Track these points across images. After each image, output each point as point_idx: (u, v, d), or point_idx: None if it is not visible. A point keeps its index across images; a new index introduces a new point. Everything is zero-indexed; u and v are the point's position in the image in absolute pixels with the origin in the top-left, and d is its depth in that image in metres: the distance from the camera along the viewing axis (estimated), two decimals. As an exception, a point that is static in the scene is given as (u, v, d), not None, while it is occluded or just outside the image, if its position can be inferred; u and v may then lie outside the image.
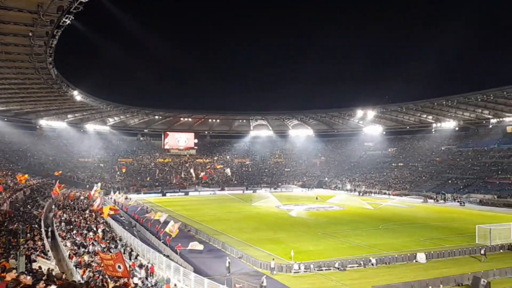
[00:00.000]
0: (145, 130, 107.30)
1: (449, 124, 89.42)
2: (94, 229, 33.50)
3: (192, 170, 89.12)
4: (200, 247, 30.14)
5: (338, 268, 26.16)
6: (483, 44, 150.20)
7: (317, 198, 68.95)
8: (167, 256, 28.19)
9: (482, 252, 29.00)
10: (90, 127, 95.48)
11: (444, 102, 77.66)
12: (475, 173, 74.29)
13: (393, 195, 74.71)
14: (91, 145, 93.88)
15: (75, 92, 62.69)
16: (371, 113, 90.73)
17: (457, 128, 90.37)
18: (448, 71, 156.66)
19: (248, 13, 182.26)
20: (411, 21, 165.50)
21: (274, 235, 37.97)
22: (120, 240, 32.43)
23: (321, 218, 49.34)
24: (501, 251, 30.81)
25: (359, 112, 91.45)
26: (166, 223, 35.01)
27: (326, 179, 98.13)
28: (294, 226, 43.18)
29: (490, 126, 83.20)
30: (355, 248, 32.29)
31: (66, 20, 31.61)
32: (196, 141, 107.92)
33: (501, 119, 79.27)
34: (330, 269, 26.22)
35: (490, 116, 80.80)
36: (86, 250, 26.13)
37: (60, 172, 67.31)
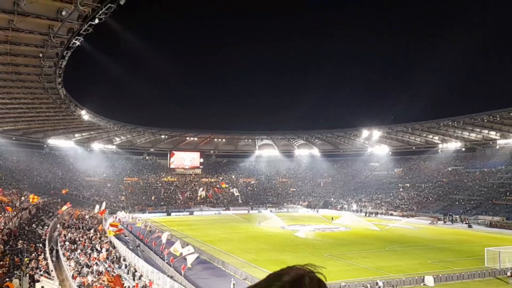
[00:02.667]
0: (151, 149, 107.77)
1: (455, 145, 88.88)
2: (99, 248, 33.38)
3: (200, 190, 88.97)
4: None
5: (344, 291, 25.73)
6: (489, 63, 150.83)
7: (332, 219, 67.90)
8: (171, 277, 27.92)
9: (509, 274, 28.59)
10: (97, 146, 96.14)
11: (450, 123, 77.43)
12: (482, 195, 73.41)
13: (400, 216, 73.85)
14: (97, 164, 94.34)
15: (83, 112, 63.39)
16: (376, 133, 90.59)
17: (463, 149, 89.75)
18: (454, 91, 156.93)
19: (254, 35, 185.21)
20: (415, 40, 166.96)
21: (279, 256, 37.52)
22: (124, 260, 32.23)
23: (327, 239, 48.78)
24: (509, 274, 30.14)
25: (365, 132, 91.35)
26: (170, 243, 34.81)
27: (332, 199, 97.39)
28: (300, 247, 42.70)
29: (497, 147, 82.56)
30: (362, 270, 31.78)
31: (76, 41, 32.27)
32: (201, 160, 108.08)
33: (508, 140, 78.75)
34: (336, 292, 25.79)
35: (497, 137, 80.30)
36: (90, 270, 25.99)
37: (67, 190, 67.54)
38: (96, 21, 29.36)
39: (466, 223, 62.17)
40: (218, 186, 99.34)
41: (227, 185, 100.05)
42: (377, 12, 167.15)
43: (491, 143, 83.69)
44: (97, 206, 54.73)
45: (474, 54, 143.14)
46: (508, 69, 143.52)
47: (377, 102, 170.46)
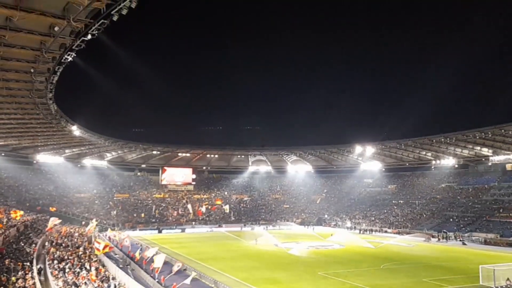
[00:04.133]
0: (142, 165, 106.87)
1: (448, 161, 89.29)
2: (88, 267, 32.51)
3: (189, 206, 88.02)
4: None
5: (339, 311, 25.13)
6: (480, 82, 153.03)
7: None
8: (161, 297, 27.16)
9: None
10: (88, 162, 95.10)
11: (442, 139, 77.83)
12: (476, 212, 73.39)
13: (394, 233, 73.42)
14: (87, 180, 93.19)
15: (74, 127, 62.81)
16: (370, 150, 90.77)
17: (456, 165, 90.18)
18: (447, 108, 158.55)
19: (249, 52, 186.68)
20: (409, 59, 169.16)
21: (272, 275, 36.84)
22: (114, 279, 31.37)
23: (321, 257, 48.13)
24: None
25: (358, 148, 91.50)
26: (168, 265, 34.05)
27: (326, 216, 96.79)
28: (293, 265, 42.03)
29: (490, 164, 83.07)
30: (356, 289, 31.23)
31: (68, 57, 32.06)
32: (194, 176, 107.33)
33: (500, 156, 79.29)
34: (330, 312, 25.17)
35: (489, 154, 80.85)
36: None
37: (55, 208, 66.34)
38: (89, 36, 29.21)
39: (460, 240, 61.89)
40: (210, 203, 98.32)
41: (220, 203, 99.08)
42: (371, 32, 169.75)
43: (483, 159, 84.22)
44: (89, 224, 53.67)
45: (466, 72, 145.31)
46: (499, 87, 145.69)
47: (371, 118, 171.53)
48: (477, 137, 72.93)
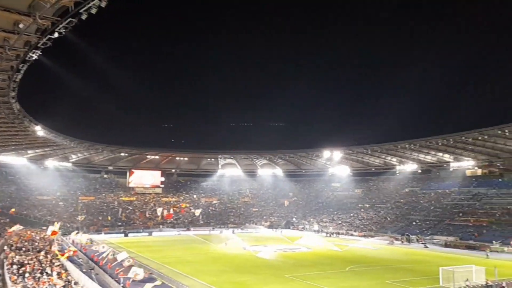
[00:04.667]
0: (109, 168, 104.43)
1: (412, 167, 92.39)
2: (49, 272, 31.52)
3: (159, 209, 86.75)
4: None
5: (305, 313, 25.50)
6: (445, 91, 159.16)
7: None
8: (127, 302, 26.69)
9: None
10: (51, 163, 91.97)
11: (407, 145, 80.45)
12: (437, 215, 76.14)
13: (359, 236, 75.07)
14: (51, 182, 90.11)
15: (38, 127, 60.75)
16: (338, 154, 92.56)
17: (419, 171, 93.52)
18: (412, 116, 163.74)
19: (219, 54, 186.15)
20: (377, 67, 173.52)
21: (240, 278, 36.92)
22: (76, 284, 30.56)
23: (289, 260, 48.62)
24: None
25: (326, 153, 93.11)
26: (128, 266, 33.50)
27: (294, 219, 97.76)
28: (261, 268, 42.27)
29: (451, 169, 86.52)
30: (322, 291, 31.77)
31: (33, 55, 31.12)
32: (162, 179, 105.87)
33: (460, 162, 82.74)
34: (297, 314, 25.51)
35: (451, 160, 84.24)
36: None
37: (14, 210, 63.86)
38: (56, 35, 28.50)
39: (422, 243, 63.98)
40: (178, 205, 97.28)
41: (187, 205, 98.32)
42: (344, 39, 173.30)
43: (445, 165, 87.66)
44: (50, 227, 51.91)
45: (431, 83, 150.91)
46: (460, 96, 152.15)
47: (339, 124, 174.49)
48: (440, 144, 75.87)
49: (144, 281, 31.68)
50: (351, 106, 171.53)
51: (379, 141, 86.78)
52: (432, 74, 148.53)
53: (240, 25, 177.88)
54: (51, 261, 35.85)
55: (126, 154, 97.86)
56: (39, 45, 29.64)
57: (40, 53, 31.20)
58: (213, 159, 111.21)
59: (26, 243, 44.92)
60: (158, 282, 30.91)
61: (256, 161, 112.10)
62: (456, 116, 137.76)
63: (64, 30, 27.90)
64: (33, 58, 31.78)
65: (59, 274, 31.28)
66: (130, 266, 33.77)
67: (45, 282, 28.13)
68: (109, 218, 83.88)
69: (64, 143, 78.26)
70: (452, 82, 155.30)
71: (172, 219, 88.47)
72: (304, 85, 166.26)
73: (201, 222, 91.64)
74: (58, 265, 34.74)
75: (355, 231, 80.00)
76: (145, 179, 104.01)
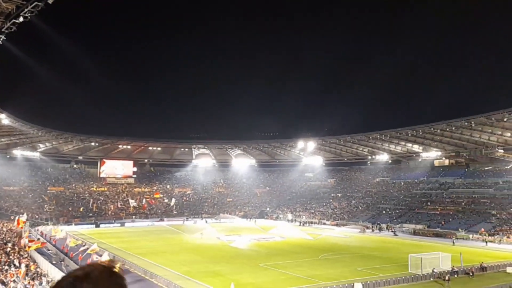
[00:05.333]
0: (79, 157, 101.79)
1: (383, 157, 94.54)
2: (17, 264, 30.60)
3: (131, 201, 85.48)
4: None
5: (278, 301, 25.82)
6: (414, 83, 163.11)
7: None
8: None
9: (447, 278, 30.88)
10: (18, 153, 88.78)
11: (378, 136, 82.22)
12: (406, 204, 78.37)
13: (332, 225, 76.43)
14: (18, 173, 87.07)
15: (2, 116, 58.56)
16: (311, 145, 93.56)
17: (390, 161, 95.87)
18: (383, 107, 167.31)
19: (190, 41, 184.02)
20: (349, 57, 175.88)
21: (214, 268, 36.94)
22: (46, 275, 29.82)
23: (262, 249, 48.99)
24: (431, 279, 32.22)
25: (300, 143, 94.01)
26: (99, 255, 32.93)
27: (268, 209, 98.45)
28: (235, 258, 42.43)
29: (420, 160, 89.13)
30: (295, 279, 32.19)
31: (-3, 39, 29.77)
32: (135, 169, 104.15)
33: (429, 153, 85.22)
34: (270, 302, 25.79)
35: (420, 150, 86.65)
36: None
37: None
38: (21, 19, 27.34)
39: (392, 231, 65.81)
40: (151, 196, 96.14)
41: (161, 195, 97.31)
42: (314, 29, 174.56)
43: (414, 156, 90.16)
44: (17, 218, 50.33)
45: (400, 75, 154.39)
46: (430, 89, 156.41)
47: (313, 114, 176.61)
48: (409, 135, 77.93)
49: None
50: (322, 96, 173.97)
51: (350, 131, 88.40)
52: (397, 67, 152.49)
53: (212, 24, 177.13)
54: (18, 252, 34.82)
55: (97, 144, 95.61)
56: (3, 29, 28.36)
57: (4, 38, 29.87)
58: (186, 149, 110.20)
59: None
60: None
61: (230, 151, 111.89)
62: (424, 108, 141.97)
63: (30, 14, 26.76)
64: (-3, 43, 30.42)
65: (27, 266, 30.43)
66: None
67: (13, 274, 27.32)
68: (81, 209, 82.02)
69: (31, 132, 75.78)
70: (419, 76, 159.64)
71: (146, 210, 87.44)
72: (267, 79, 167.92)
73: (175, 212, 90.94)
74: (26, 257, 33.80)
75: (327, 220, 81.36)
76: (117, 169, 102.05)
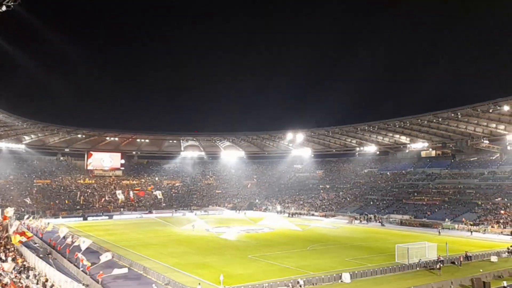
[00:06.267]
0: (66, 150, 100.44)
1: (371, 148, 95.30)
2: (3, 257, 30.23)
3: (118, 192, 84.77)
4: (124, 270, 29.10)
5: (267, 292, 25.96)
6: (397, 75, 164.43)
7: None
8: (87, 286, 26.14)
9: (438, 266, 31.53)
10: (3, 145, 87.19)
11: (366, 128, 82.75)
12: (394, 195, 79.28)
13: (320, 216, 77.01)
14: (2, 165, 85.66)
15: (-14, 107, 57.31)
16: (300, 136, 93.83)
17: (377, 152, 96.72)
18: (370, 99, 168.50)
19: (179, 32, 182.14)
20: (337, 50, 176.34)
21: (203, 259, 37.01)
22: (33, 269, 29.53)
23: (251, 241, 49.21)
24: (418, 269, 32.73)
25: (289, 135, 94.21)
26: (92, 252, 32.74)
27: (257, 200, 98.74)
28: (224, 250, 42.55)
29: (407, 151, 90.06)
30: (284, 270, 32.43)
31: (-21, 28, 29.00)
32: (123, 161, 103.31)
33: (416, 144, 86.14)
34: (259, 293, 25.94)
35: (407, 141, 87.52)
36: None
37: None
38: (4, 8, 26.71)
39: (379, 222, 66.60)
40: (141, 188, 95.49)
41: (151, 188, 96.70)
42: (298, 26, 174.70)
43: (401, 147, 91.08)
44: (0, 211, 49.68)
45: (386, 67, 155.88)
46: (416, 81, 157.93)
47: (301, 106, 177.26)
48: (397, 126, 78.62)
49: (111, 266, 31.19)
50: (310, 88, 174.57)
51: (339, 123, 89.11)
52: (385, 60, 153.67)
53: (200, 23, 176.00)
54: (4, 246, 34.39)
55: (84, 136, 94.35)
56: (-15, 18, 27.64)
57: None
58: (175, 141, 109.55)
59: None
60: (125, 270, 30.52)
61: (219, 143, 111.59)
62: (412, 100, 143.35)
63: (13, 3, 26.13)
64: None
65: (14, 259, 30.10)
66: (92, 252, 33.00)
67: (-2, 268, 26.96)
68: (67, 201, 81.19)
69: (16, 124, 74.44)
70: (406, 68, 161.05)
71: (134, 202, 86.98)
72: (253, 74, 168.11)
73: (164, 204, 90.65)
74: (12, 251, 33.41)
75: (316, 211, 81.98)
76: (104, 161, 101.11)
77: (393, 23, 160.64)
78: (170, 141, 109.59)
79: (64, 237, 40.71)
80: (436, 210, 66.80)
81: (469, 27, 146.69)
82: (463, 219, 58.74)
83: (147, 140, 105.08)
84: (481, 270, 30.65)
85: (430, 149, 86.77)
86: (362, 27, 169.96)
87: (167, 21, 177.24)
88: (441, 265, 31.98)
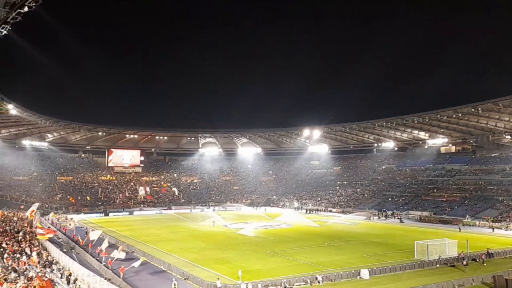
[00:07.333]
0: (87, 147, 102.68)
1: (389, 144, 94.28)
2: (28, 252, 31.22)
3: (140, 189, 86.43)
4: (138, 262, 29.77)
5: (285, 287, 26.18)
6: (413, 70, 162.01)
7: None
8: (109, 280, 26.82)
9: (464, 263, 31.16)
10: (27, 143, 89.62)
11: (384, 123, 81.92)
12: (412, 191, 78.36)
13: (338, 212, 76.76)
14: (27, 162, 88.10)
15: (10, 106, 59.01)
16: (317, 133, 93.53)
17: (396, 148, 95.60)
18: (388, 94, 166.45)
19: (196, 33, 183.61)
20: (351, 45, 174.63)
21: (221, 255, 37.44)
22: (57, 263, 30.43)
23: (269, 237, 49.46)
24: (438, 266, 32.43)
25: (306, 132, 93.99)
26: (111, 246, 33.54)
27: (274, 197, 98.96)
28: (242, 245, 42.91)
29: (426, 147, 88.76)
30: (302, 266, 32.58)
31: (3, 30, 29.92)
32: (142, 158, 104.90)
33: (435, 140, 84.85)
34: (277, 288, 26.18)
35: (426, 137, 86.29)
36: (17, 275, 24.22)
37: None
38: (26, 9, 27.44)
39: (398, 218, 65.99)
40: (159, 185, 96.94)
41: (168, 184, 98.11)
42: (315, 17, 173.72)
43: (420, 142, 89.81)
44: (29, 207, 51.13)
45: (402, 63, 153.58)
46: (433, 76, 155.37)
47: (317, 101, 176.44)
48: (416, 122, 77.56)
49: (128, 259, 31.90)
50: (326, 83, 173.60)
51: (356, 119, 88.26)
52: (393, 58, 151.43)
53: (215, 26, 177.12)
54: (30, 241, 35.47)
55: (104, 133, 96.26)
56: (8, 19, 28.49)
57: (10, 28, 30.01)
58: (193, 138, 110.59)
59: (3, 223, 44.14)
60: (140, 260, 31.15)
61: (236, 140, 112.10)
62: (431, 95, 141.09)
63: (34, 4, 26.85)
64: (3, 34, 30.57)
65: (39, 254, 31.05)
66: (111, 246, 33.79)
67: (24, 262, 27.91)
68: (89, 198, 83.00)
69: (39, 122, 76.42)
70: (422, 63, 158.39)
71: (152, 199, 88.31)
72: (266, 72, 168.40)
73: (182, 201, 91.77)
74: (37, 246, 34.44)
75: (333, 207, 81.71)
76: (124, 158, 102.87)
77: (410, 15, 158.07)
78: (188, 138, 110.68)
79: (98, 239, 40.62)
80: (456, 206, 65.78)
81: (489, 17, 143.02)
82: (484, 215, 57.76)
83: (165, 137, 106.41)
84: None
85: (450, 145, 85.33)
86: (379, 20, 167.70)
87: (188, 24, 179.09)
88: (457, 263, 31.61)
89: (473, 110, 66.78)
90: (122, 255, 32.26)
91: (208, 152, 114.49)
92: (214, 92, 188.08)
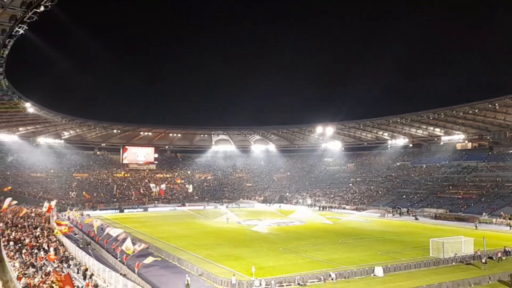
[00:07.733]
0: (102, 144, 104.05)
1: (403, 141, 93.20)
2: (46, 248, 31.83)
3: (153, 186, 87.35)
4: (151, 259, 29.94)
5: (298, 284, 26.21)
6: (430, 65, 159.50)
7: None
8: (124, 275, 27.17)
9: (484, 261, 30.82)
10: (43, 140, 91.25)
11: (398, 120, 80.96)
12: (428, 188, 77.39)
13: (352, 209, 76.30)
14: (44, 160, 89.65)
15: (28, 104, 60.07)
16: (330, 130, 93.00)
17: (410, 145, 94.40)
18: (402, 90, 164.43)
19: (205, 29, 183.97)
20: (365, 39, 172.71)
21: (235, 251, 37.62)
22: (73, 259, 30.97)
23: (282, 233, 49.50)
24: (453, 263, 32.03)
25: (319, 128, 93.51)
26: (123, 240, 33.93)
27: (287, 194, 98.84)
28: (255, 242, 43.03)
29: (441, 143, 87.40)
30: (315, 263, 32.55)
31: (20, 29, 30.46)
32: (156, 155, 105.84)
33: (451, 136, 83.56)
34: (291, 285, 26.20)
35: (441, 134, 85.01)
36: (35, 270, 24.73)
37: (10, 187, 63.75)
38: (42, 8, 27.85)
39: (413, 216, 65.30)
40: (173, 181, 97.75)
41: (182, 181, 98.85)
42: (326, 16, 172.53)
43: (435, 139, 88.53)
44: (45, 204, 52.08)
45: (412, 58, 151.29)
46: (449, 71, 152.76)
47: (331, 98, 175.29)
48: (431, 118, 76.45)
49: (143, 255, 32.23)
50: (339, 79, 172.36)
51: (369, 115, 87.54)
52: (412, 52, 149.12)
53: (225, 25, 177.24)
54: (47, 237, 36.16)
55: (119, 131, 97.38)
56: (25, 19, 28.98)
57: (26, 28, 30.51)
58: (206, 135, 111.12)
59: (22, 219, 45.07)
60: (156, 258, 31.46)
61: (249, 137, 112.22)
62: (447, 91, 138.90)
63: (50, 3, 27.22)
64: (20, 33, 31.12)
65: (56, 250, 31.63)
66: (124, 240, 34.14)
67: (42, 257, 28.47)
68: (103, 194, 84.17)
69: (56, 120, 77.62)
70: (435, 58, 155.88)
71: (166, 196, 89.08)
72: (278, 69, 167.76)
73: (196, 197, 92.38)
74: (54, 241, 35.08)
75: (347, 204, 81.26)
76: (139, 155, 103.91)
77: (425, 10, 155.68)
78: (201, 136, 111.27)
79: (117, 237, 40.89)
80: (473, 204, 64.77)
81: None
82: (502, 213, 56.75)
83: (179, 135, 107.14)
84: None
85: (466, 141, 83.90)
86: (392, 15, 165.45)
87: (200, 22, 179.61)
88: (474, 260, 31.16)
89: (490, 106, 65.51)
90: (142, 251, 32.62)
91: (221, 149, 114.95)
92: (227, 91, 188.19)
